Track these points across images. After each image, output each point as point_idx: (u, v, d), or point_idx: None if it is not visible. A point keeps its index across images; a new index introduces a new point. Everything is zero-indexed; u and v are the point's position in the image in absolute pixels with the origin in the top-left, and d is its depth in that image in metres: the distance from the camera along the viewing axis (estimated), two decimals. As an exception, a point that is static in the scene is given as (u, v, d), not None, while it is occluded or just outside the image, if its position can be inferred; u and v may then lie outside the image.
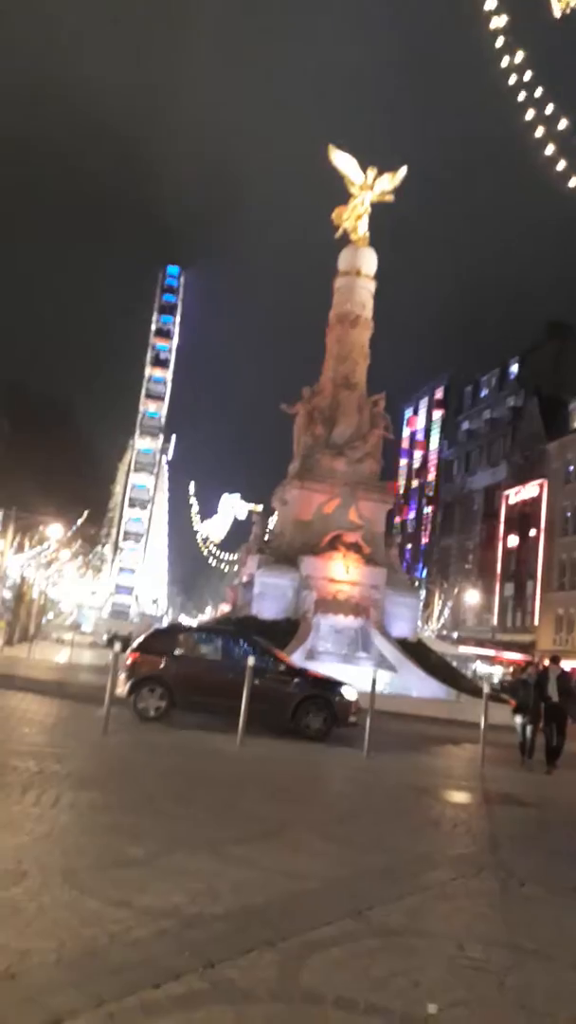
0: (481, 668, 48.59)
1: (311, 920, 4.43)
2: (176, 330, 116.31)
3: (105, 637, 61.93)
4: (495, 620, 57.27)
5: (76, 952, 3.59)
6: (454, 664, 33.69)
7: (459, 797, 10.07)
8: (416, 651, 29.24)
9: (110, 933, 3.84)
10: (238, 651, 14.44)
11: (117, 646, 13.36)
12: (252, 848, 5.88)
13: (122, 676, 13.56)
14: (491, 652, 51.74)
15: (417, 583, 55.54)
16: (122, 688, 13.64)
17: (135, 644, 15.04)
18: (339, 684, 14.68)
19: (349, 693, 14.39)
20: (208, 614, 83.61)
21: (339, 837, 6.69)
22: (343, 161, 34.07)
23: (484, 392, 68.35)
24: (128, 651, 14.17)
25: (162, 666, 14.08)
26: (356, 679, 17.43)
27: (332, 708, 14.08)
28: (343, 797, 9.38)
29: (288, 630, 27.16)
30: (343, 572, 29.33)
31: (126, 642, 39.30)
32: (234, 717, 11.97)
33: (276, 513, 36.37)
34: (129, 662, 14.13)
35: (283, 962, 3.77)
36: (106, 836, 5.72)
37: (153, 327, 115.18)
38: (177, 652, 14.43)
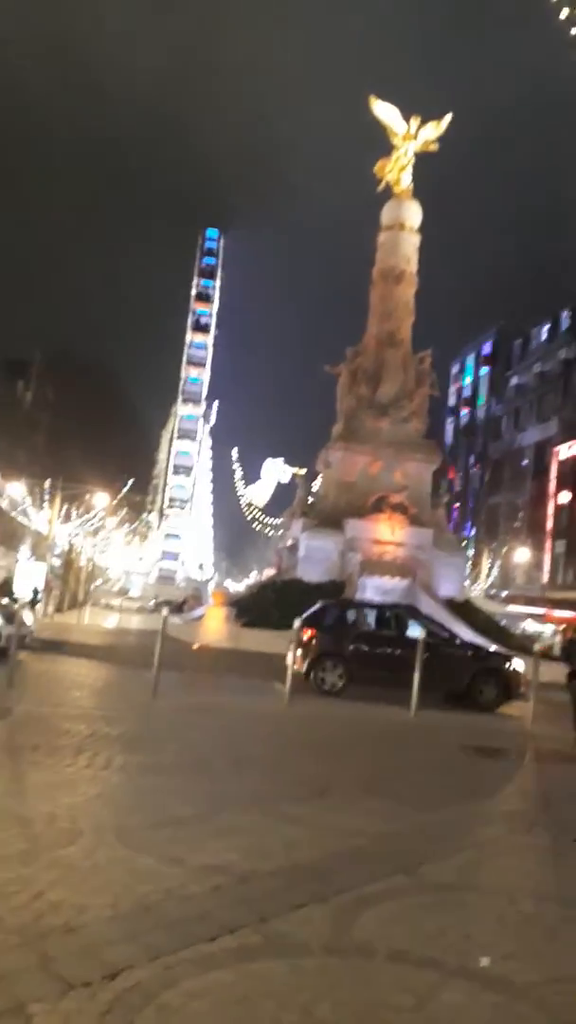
0: (531, 627, 48.16)
1: (363, 876, 4.47)
2: (216, 294, 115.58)
3: (152, 603, 62.94)
4: (545, 578, 56.59)
5: (131, 907, 3.67)
6: (503, 623, 33.43)
7: (510, 754, 10.05)
8: (464, 611, 29.05)
9: (164, 889, 3.92)
10: (410, 625, 14.74)
11: (165, 611, 13.58)
12: (303, 807, 5.94)
13: (297, 652, 13.82)
14: (541, 610, 51.21)
15: (465, 542, 55.06)
16: (299, 664, 13.90)
17: (304, 617, 15.06)
18: (508, 657, 15.00)
19: (519, 665, 14.63)
20: (253, 578, 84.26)
21: (391, 794, 6.73)
22: (385, 111, 33.18)
23: (534, 345, 66.73)
24: (300, 626, 14.44)
25: (340, 642, 14.40)
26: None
27: (506, 680, 14.30)
28: (389, 754, 9.43)
29: (333, 592, 27.18)
30: (388, 533, 29.21)
31: (176, 608, 39.80)
32: (409, 690, 12.21)
33: (320, 476, 36.26)
34: (306, 638, 14.37)
35: (336, 917, 3.82)
36: (157, 796, 5.84)
37: (193, 291, 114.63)
38: (351, 628, 14.76)
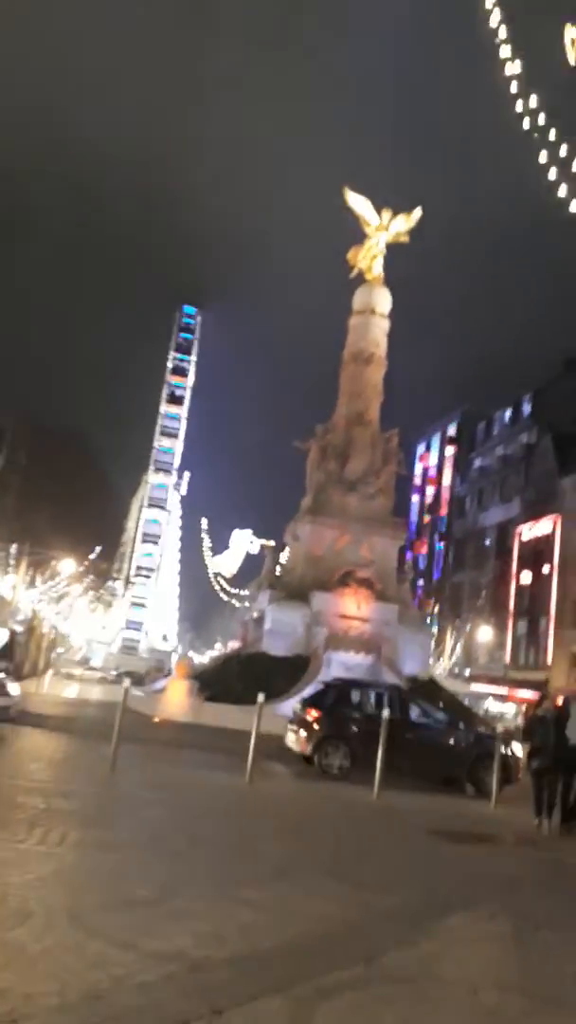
0: (494, 706, 47.89)
1: (322, 965, 4.31)
2: (192, 368, 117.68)
3: (114, 673, 61.66)
4: (508, 658, 56.64)
5: (80, 996, 3.50)
6: (466, 702, 33.25)
7: (473, 839, 9.86)
8: (427, 689, 28.83)
9: (115, 976, 3.75)
10: (411, 708, 14.71)
11: (126, 682, 13.30)
12: (261, 890, 5.76)
13: (301, 733, 13.61)
14: (503, 690, 51.09)
15: (429, 619, 55.09)
16: (303, 746, 13.89)
17: (306, 698, 15.04)
18: (507, 741, 14.88)
19: (517, 750, 14.50)
20: (217, 650, 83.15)
21: (353, 878, 6.55)
22: (358, 203, 34.63)
23: (497, 429, 68.46)
24: (303, 706, 14.25)
25: (343, 724, 14.24)
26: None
27: (505, 765, 14.03)
28: (352, 837, 9.21)
29: (299, 666, 26.93)
30: (354, 608, 29.15)
31: (137, 680, 38.92)
32: (418, 776, 11.97)
33: (288, 549, 36.32)
34: (311, 719, 14.28)
35: (292, 1009, 3.67)
36: (112, 876, 5.63)
37: (169, 365, 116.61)
38: (354, 709, 14.66)
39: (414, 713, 14.37)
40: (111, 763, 10.89)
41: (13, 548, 41.50)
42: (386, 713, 12.31)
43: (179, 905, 5.08)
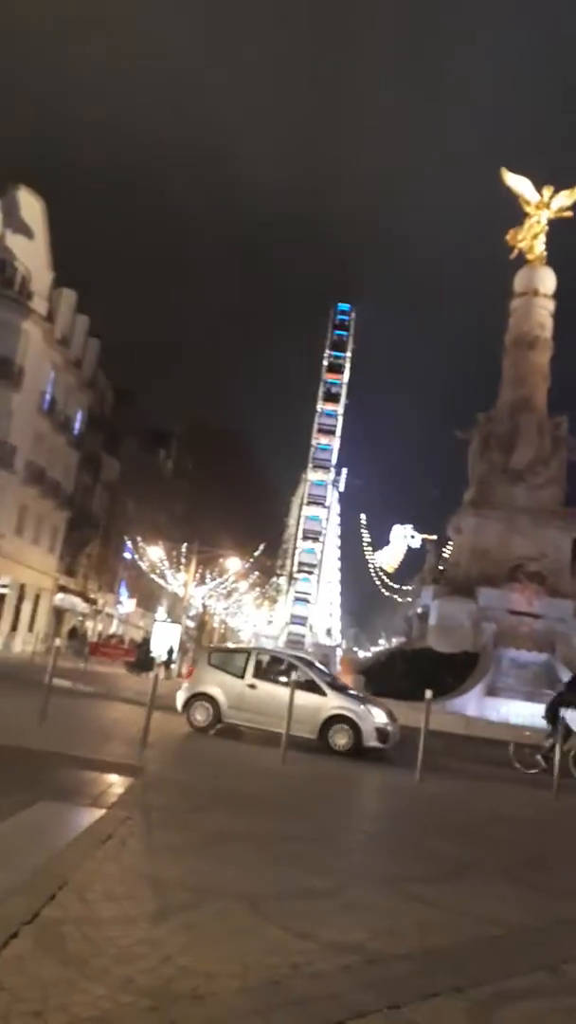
0: None
1: (501, 969, 4.18)
2: (347, 365, 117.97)
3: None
4: None
5: (260, 979, 3.59)
6: None
7: None
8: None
9: (293, 964, 3.82)
10: None
11: (295, 675, 13.54)
12: (436, 888, 5.67)
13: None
14: None
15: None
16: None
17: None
18: None
19: None
20: (381, 645, 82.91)
21: (529, 880, 6.31)
22: (517, 182, 33.57)
23: None
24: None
25: None
26: (541, 718, 16.63)
27: None
28: (533, 839, 8.87)
29: (466, 664, 26.34)
30: (525, 604, 28.12)
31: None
32: None
33: (451, 543, 35.61)
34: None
35: (472, 1011, 3.58)
36: (286, 866, 5.73)
37: (325, 363, 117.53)
38: None
39: None
40: (281, 758, 11.11)
41: (184, 547, 43.43)
42: None
43: (354, 898, 5.10)
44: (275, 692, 14.01)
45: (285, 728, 11.70)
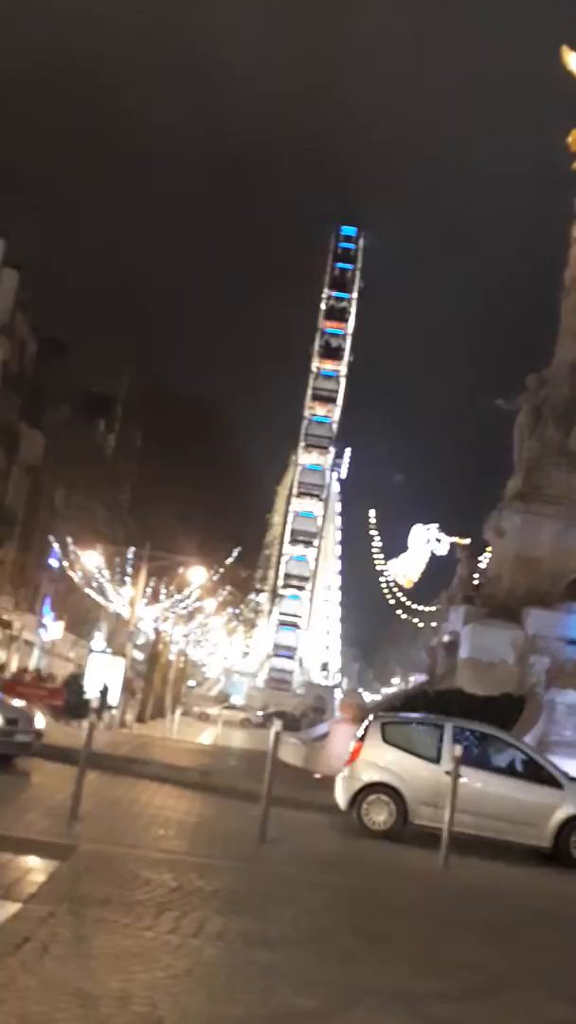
0: None
1: None
2: (353, 309, 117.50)
3: (260, 714, 63.14)
4: None
5: None
6: None
7: None
8: None
9: None
10: None
11: (277, 726, 13.56)
12: (462, 1008, 5.69)
13: None
14: None
15: None
16: None
17: None
18: None
19: None
20: (395, 686, 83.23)
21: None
22: (579, 63, 33.64)
23: None
24: None
25: None
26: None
27: None
28: None
29: (508, 710, 26.35)
30: (588, 630, 28.30)
31: (291, 723, 39.57)
32: None
33: (489, 548, 35.74)
34: None
35: None
36: (264, 978, 5.73)
37: (323, 306, 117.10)
38: None
39: None
40: (260, 831, 11.11)
41: (130, 552, 43.16)
42: None
43: (352, 1021, 5.10)
44: (488, 782, 14.00)
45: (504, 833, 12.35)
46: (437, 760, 14.18)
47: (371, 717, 15.40)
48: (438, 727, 15.30)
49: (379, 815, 14.13)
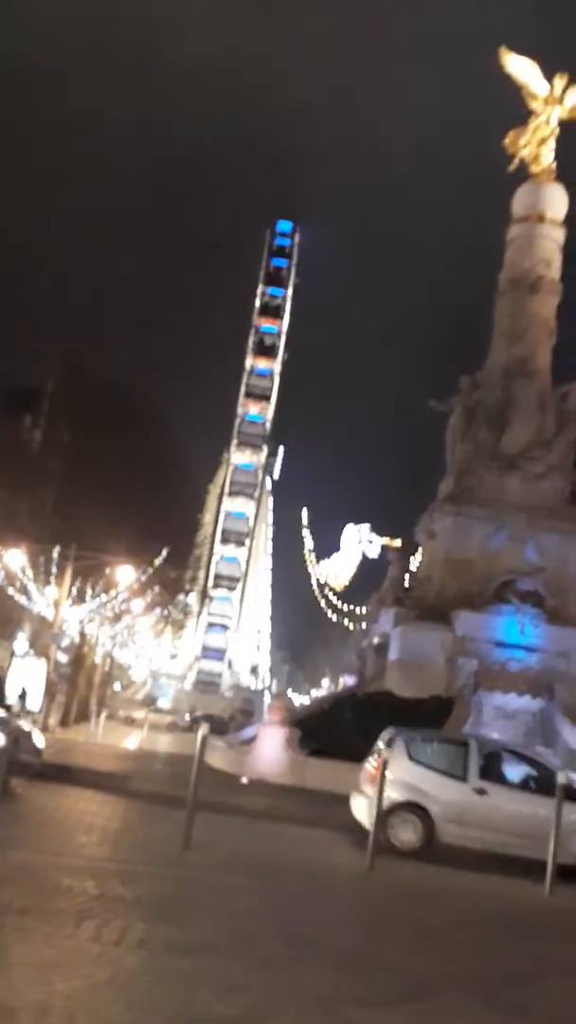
0: None
1: None
2: (287, 307, 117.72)
3: (187, 717, 62.95)
4: None
5: None
6: None
7: None
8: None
9: None
10: None
11: (203, 730, 13.53)
12: (388, 1015, 5.75)
13: None
14: None
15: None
16: None
17: None
18: None
19: None
20: (325, 688, 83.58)
21: (515, 1004, 6.46)
22: (521, 67, 33.81)
23: None
24: None
25: None
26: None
27: None
28: (514, 948, 9.09)
29: (436, 711, 26.64)
30: (516, 633, 28.69)
31: (219, 726, 39.42)
32: None
33: (421, 550, 36.07)
34: None
35: None
36: (187, 986, 5.74)
37: (257, 302, 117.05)
38: None
39: None
40: (184, 837, 11.09)
41: (55, 552, 42.72)
42: None
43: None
44: (518, 800, 14.06)
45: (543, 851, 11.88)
46: (464, 778, 14.30)
47: (392, 731, 15.22)
48: (464, 744, 15.44)
49: (406, 834, 14.12)
